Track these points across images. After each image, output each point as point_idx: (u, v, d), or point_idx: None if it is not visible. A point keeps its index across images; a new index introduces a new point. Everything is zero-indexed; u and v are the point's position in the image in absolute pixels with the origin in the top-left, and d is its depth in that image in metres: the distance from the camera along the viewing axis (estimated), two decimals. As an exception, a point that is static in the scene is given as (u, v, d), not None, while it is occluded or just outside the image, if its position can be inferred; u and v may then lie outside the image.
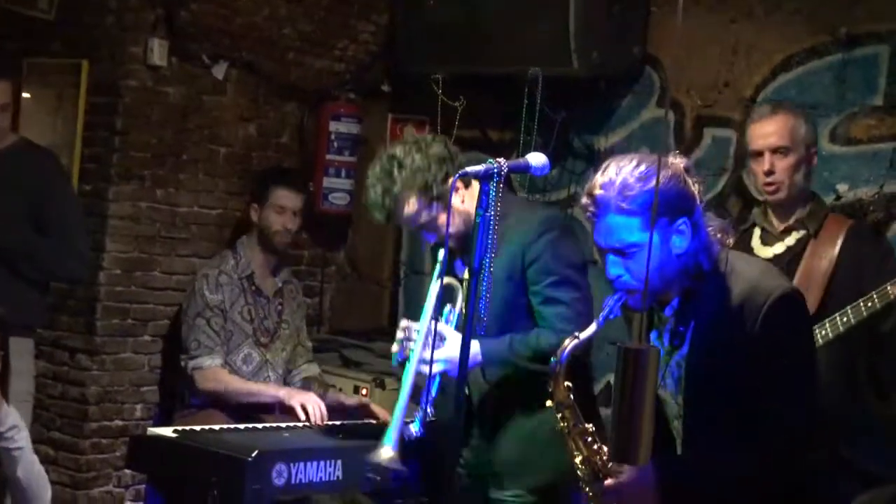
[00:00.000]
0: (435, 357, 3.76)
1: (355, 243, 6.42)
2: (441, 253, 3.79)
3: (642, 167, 2.95)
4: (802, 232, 4.22)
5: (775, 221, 4.27)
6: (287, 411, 4.95)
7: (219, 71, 5.73)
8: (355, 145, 6.15)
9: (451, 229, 3.78)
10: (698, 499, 3.00)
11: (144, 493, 5.35)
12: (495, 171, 3.36)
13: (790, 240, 4.24)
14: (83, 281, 5.22)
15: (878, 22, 4.76)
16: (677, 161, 3.02)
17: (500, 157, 3.45)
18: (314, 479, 4.14)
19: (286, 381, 5.37)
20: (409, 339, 3.89)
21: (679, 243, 2.97)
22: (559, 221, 4.09)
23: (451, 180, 3.72)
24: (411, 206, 3.92)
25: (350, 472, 4.22)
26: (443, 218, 3.86)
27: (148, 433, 4.46)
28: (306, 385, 5.34)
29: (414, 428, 3.75)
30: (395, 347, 3.93)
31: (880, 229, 4.61)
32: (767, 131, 4.19)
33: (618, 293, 3.00)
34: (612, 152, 5.41)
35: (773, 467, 2.95)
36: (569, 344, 3.12)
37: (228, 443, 4.22)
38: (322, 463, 4.24)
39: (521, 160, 3.57)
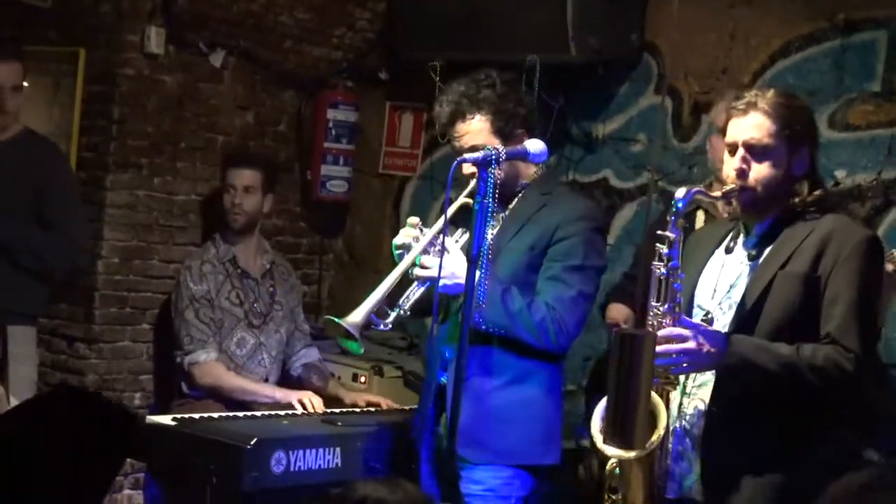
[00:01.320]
0: (433, 265, 3.66)
1: (353, 231, 6.42)
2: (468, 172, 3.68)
3: (787, 92, 3.38)
4: None
5: None
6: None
7: (216, 59, 5.72)
8: (353, 133, 6.15)
9: (500, 172, 3.60)
10: (755, 374, 3.11)
11: (143, 482, 5.35)
12: (493, 157, 3.37)
13: None
14: (81, 270, 5.23)
15: (876, 8, 4.76)
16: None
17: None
18: (313, 467, 4.13)
19: (286, 368, 5.35)
20: (415, 237, 3.83)
21: (799, 166, 3.27)
22: (601, 217, 4.07)
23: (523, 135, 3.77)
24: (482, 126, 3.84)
25: (349, 460, 4.23)
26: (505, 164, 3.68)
27: (147, 421, 4.46)
28: (306, 372, 5.33)
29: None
30: (398, 239, 3.85)
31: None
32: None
33: (738, 185, 3.24)
34: (610, 139, 5.43)
35: (833, 370, 3.10)
36: (693, 188, 3.24)
37: (227, 431, 4.21)
38: (321, 450, 4.24)
39: (518, 147, 3.58)
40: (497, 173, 3.46)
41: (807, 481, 2.99)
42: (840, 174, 4.79)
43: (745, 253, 3.30)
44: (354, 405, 5.04)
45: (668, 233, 3.18)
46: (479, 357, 3.76)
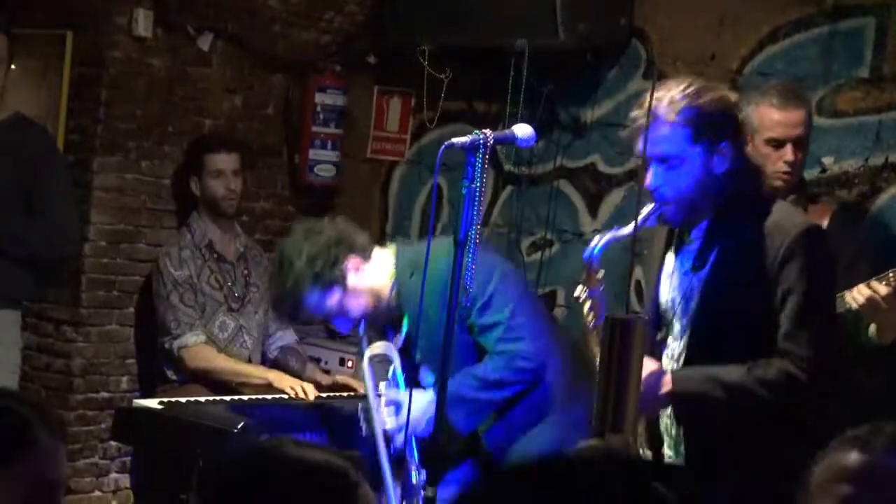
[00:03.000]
0: (397, 426, 3.80)
1: (341, 216, 6.39)
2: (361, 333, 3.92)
3: (693, 87, 3.14)
4: None
5: None
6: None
7: (204, 42, 5.70)
8: (341, 117, 6.14)
9: (359, 311, 3.89)
10: (709, 406, 3.09)
11: (130, 465, 5.36)
12: (481, 142, 3.37)
13: None
14: (73, 255, 5.23)
15: (865, -6, 4.76)
16: (728, 92, 3.23)
17: (485, 128, 3.46)
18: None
19: (263, 350, 5.36)
20: (365, 420, 3.92)
21: (720, 164, 3.13)
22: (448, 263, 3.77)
23: (345, 262, 3.85)
24: (311, 298, 3.92)
25: (337, 444, 4.23)
26: (350, 301, 3.92)
27: (133, 405, 4.47)
28: (283, 354, 5.33)
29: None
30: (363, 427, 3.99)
31: (861, 213, 4.61)
32: (794, 121, 4.04)
33: (655, 204, 3.14)
34: (599, 124, 5.43)
35: (785, 386, 3.06)
36: (603, 238, 3.17)
37: (214, 415, 4.23)
38: (309, 435, 4.26)
39: (506, 131, 3.58)
40: (361, 313, 3.83)
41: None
42: (827, 161, 4.79)
43: (690, 263, 3.22)
44: (332, 388, 5.05)
45: (580, 294, 3.16)
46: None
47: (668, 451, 3.25)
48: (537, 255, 5.54)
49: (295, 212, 6.24)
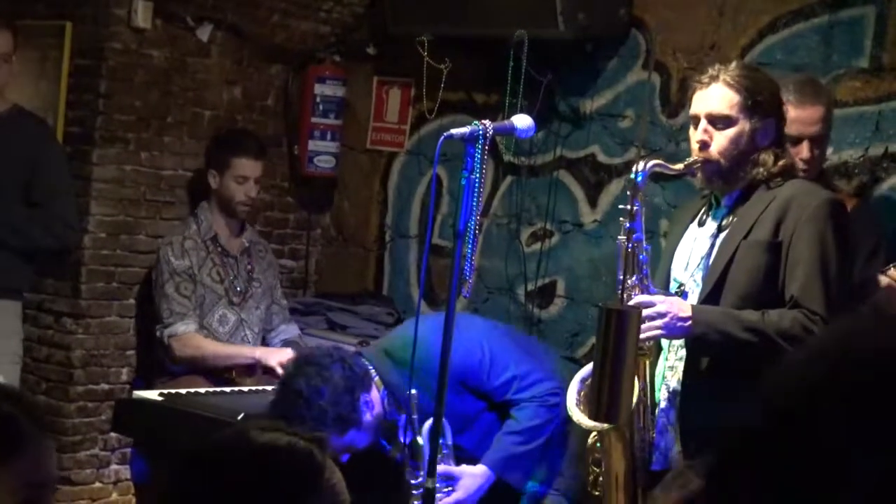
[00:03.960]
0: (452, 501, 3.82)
1: (341, 207, 6.42)
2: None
3: (752, 67, 3.58)
4: None
5: None
6: (268, 372, 4.97)
7: (203, 33, 5.71)
8: (340, 108, 6.14)
9: (372, 437, 3.95)
10: (723, 339, 3.17)
11: (130, 457, 5.37)
12: (480, 132, 3.38)
13: None
14: (71, 249, 5.24)
15: (865, -17, 4.76)
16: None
17: (485, 119, 3.47)
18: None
19: (265, 344, 5.38)
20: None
21: (763, 137, 3.35)
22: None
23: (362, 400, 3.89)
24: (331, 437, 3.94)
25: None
26: (364, 434, 3.97)
27: (133, 397, 4.47)
28: (285, 347, 5.35)
29: None
30: None
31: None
32: (811, 118, 4.00)
33: (699, 158, 3.33)
34: (599, 115, 5.43)
35: (799, 332, 3.15)
36: (650, 162, 3.30)
37: (214, 406, 4.23)
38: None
39: (506, 122, 3.60)
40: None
41: None
42: (827, 151, 4.78)
43: (715, 225, 3.36)
44: None
45: (627, 206, 3.23)
46: None
47: (666, 386, 3.29)
48: (537, 246, 5.55)
49: (294, 203, 6.26)
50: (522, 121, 3.57)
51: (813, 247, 3.20)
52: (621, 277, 3.20)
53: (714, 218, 3.39)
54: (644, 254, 3.25)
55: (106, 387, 5.55)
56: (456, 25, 5.42)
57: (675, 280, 3.39)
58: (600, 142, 5.44)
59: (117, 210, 5.52)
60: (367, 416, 3.96)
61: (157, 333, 5.16)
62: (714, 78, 3.31)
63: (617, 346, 2.57)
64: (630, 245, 3.23)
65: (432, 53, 5.59)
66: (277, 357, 4.93)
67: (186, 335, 5.10)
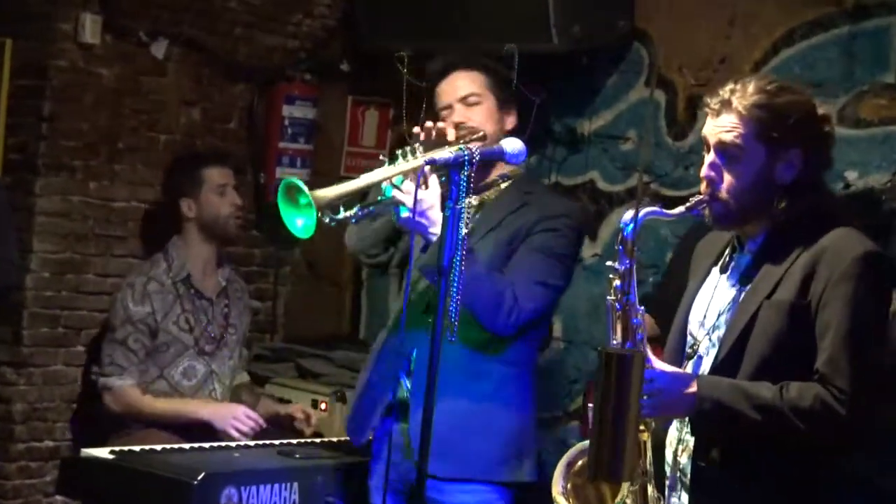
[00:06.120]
0: (410, 192, 3.71)
1: (312, 240, 6.39)
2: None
3: (774, 85, 3.19)
4: None
5: None
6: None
7: (158, 49, 5.74)
8: (311, 131, 6.17)
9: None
10: (733, 420, 3.07)
11: (78, 522, 5.36)
12: (466, 158, 3.38)
13: None
14: (13, 287, 5.24)
15: (890, -10, 4.80)
16: (817, 103, 3.26)
17: (471, 142, 3.49)
18: (268, 504, 4.17)
19: None
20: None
21: (784, 173, 3.15)
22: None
23: None
24: None
25: (307, 497, 4.26)
26: None
27: (81, 455, 4.45)
28: (236, 391, 5.36)
29: None
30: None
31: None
32: None
33: (705, 195, 3.16)
34: (597, 137, 5.46)
35: (822, 415, 3.03)
36: (644, 209, 3.16)
37: (172, 464, 4.21)
38: (276, 486, 4.25)
39: (494, 146, 3.61)
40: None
41: None
42: (851, 175, 4.81)
43: (738, 275, 3.23)
44: (290, 416, 5.16)
45: (615, 264, 3.17)
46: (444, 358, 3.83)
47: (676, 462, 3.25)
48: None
49: (260, 237, 6.27)
50: (512, 144, 3.57)
51: (844, 311, 3.03)
52: (613, 342, 3.14)
53: (738, 264, 3.25)
54: (638, 317, 3.17)
55: (50, 444, 5.55)
56: (438, 39, 5.43)
57: (690, 335, 3.30)
58: (599, 167, 5.47)
59: (63, 246, 5.53)
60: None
61: (92, 376, 5.20)
62: (725, 105, 3.13)
63: (619, 393, 2.59)
64: (620, 307, 3.14)
65: (413, 70, 5.62)
66: (229, 418, 4.96)
67: (122, 390, 5.10)
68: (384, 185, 3.77)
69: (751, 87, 3.16)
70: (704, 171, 3.18)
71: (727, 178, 3.15)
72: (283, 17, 6.15)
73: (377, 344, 4.28)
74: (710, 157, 3.18)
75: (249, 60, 6.10)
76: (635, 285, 3.16)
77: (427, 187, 3.76)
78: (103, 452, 4.37)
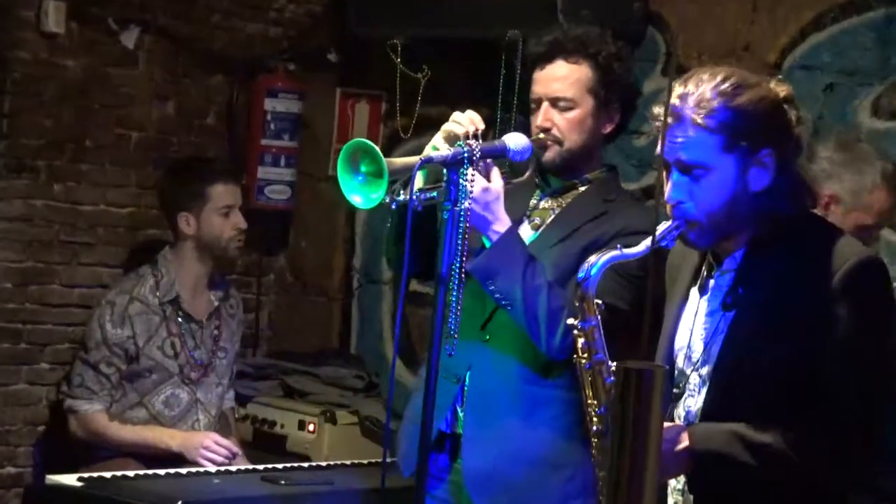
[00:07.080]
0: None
1: (298, 246, 6.41)
2: None
3: (728, 82, 3.00)
4: None
5: None
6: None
7: (128, 38, 5.71)
8: (296, 127, 6.14)
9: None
10: (732, 471, 3.00)
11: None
12: (466, 155, 3.37)
13: None
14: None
15: (928, -31, 4.80)
16: (775, 86, 3.07)
17: (471, 138, 3.45)
18: (250, 536, 4.17)
19: None
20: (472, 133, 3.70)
21: (758, 178, 3.01)
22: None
23: None
24: None
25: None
26: None
27: (46, 482, 4.45)
28: (224, 421, 5.32)
29: None
30: (450, 126, 3.79)
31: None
32: None
33: (675, 221, 3.01)
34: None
35: (827, 454, 2.98)
36: (603, 257, 3.02)
37: (146, 493, 4.22)
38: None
39: (496, 142, 3.60)
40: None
41: None
42: (886, 171, 4.79)
43: (719, 298, 3.11)
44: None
45: (576, 323, 3.08)
46: (499, 381, 3.80)
47: None
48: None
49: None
50: (516, 140, 3.57)
51: (841, 334, 2.94)
52: (588, 402, 3.05)
53: (718, 284, 3.12)
54: (610, 375, 3.08)
55: (13, 470, 5.52)
56: (435, 26, 5.43)
57: (677, 370, 3.24)
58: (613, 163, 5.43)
59: (25, 255, 5.49)
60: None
61: (59, 395, 5.18)
62: (677, 118, 2.95)
63: (637, 415, 2.51)
64: (589, 366, 3.05)
65: (407, 60, 5.57)
66: (200, 449, 4.92)
67: (87, 415, 5.07)
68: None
69: (706, 92, 2.98)
70: (668, 194, 3.01)
71: (697, 197, 3.00)
72: (264, 2, 6.15)
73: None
74: (673, 178, 3.01)
75: (228, 50, 6.07)
76: (602, 342, 3.07)
77: (491, 181, 3.65)
78: (70, 479, 4.38)
